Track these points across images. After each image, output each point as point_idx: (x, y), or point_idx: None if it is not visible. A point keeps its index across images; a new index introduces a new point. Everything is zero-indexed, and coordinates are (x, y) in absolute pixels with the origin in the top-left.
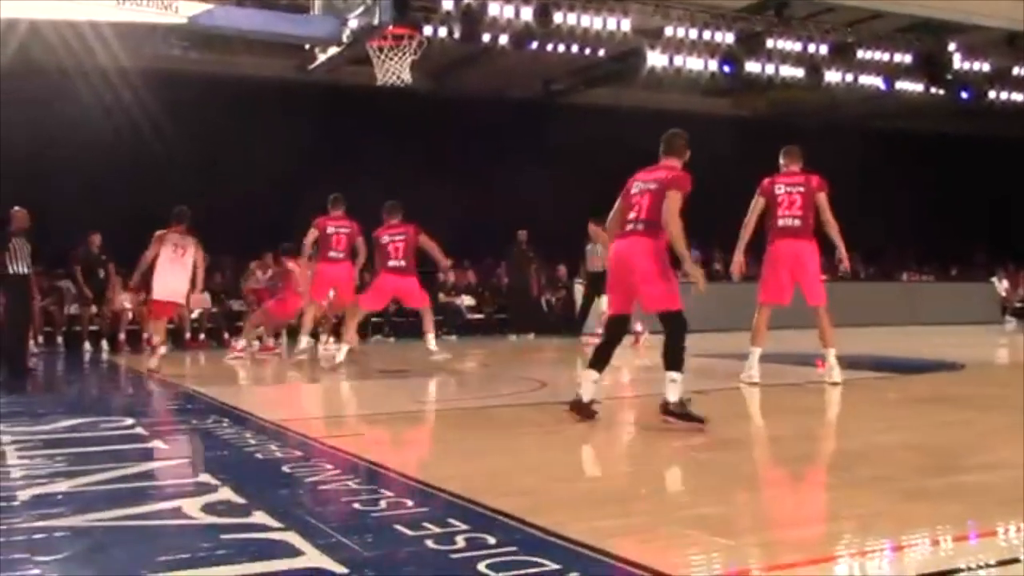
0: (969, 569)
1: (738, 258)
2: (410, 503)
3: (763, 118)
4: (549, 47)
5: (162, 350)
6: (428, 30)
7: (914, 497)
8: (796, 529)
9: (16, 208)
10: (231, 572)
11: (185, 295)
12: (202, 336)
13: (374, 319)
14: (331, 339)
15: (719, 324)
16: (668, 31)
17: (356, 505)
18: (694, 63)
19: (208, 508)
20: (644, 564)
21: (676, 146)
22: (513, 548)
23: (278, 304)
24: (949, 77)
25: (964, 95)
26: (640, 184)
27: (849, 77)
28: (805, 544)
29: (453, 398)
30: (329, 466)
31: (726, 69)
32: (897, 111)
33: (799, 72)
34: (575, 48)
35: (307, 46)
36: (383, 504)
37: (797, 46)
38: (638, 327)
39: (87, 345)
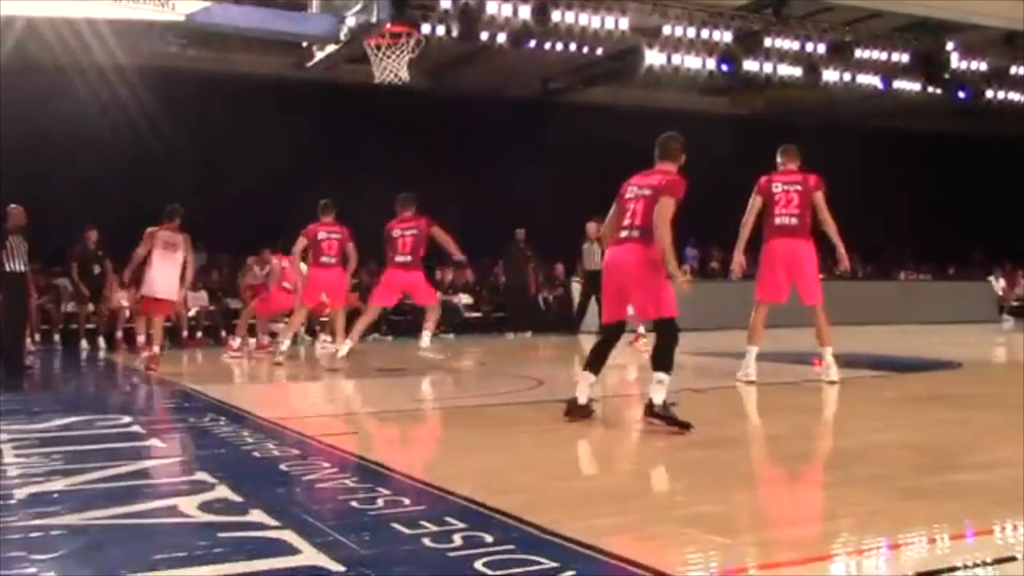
0: (966, 567)
1: (738, 257)
2: (407, 501)
3: (761, 117)
4: (547, 46)
5: (155, 348)
6: (426, 28)
7: (911, 496)
8: (793, 527)
9: (12, 206)
10: (228, 570)
11: (176, 292)
12: (199, 334)
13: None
14: (328, 338)
15: (716, 323)
16: (666, 30)
17: (353, 503)
18: (692, 62)
19: (205, 506)
20: (641, 562)
21: (671, 150)
22: (510, 546)
23: (263, 302)
24: (947, 76)
25: (962, 94)
26: (635, 189)
27: (847, 76)
28: (802, 543)
29: (450, 397)
30: (326, 464)
31: (724, 68)
32: (895, 110)
33: (797, 71)
34: (573, 47)
35: (305, 44)
36: (380, 502)
37: (795, 45)
38: (640, 328)
39: (84, 343)
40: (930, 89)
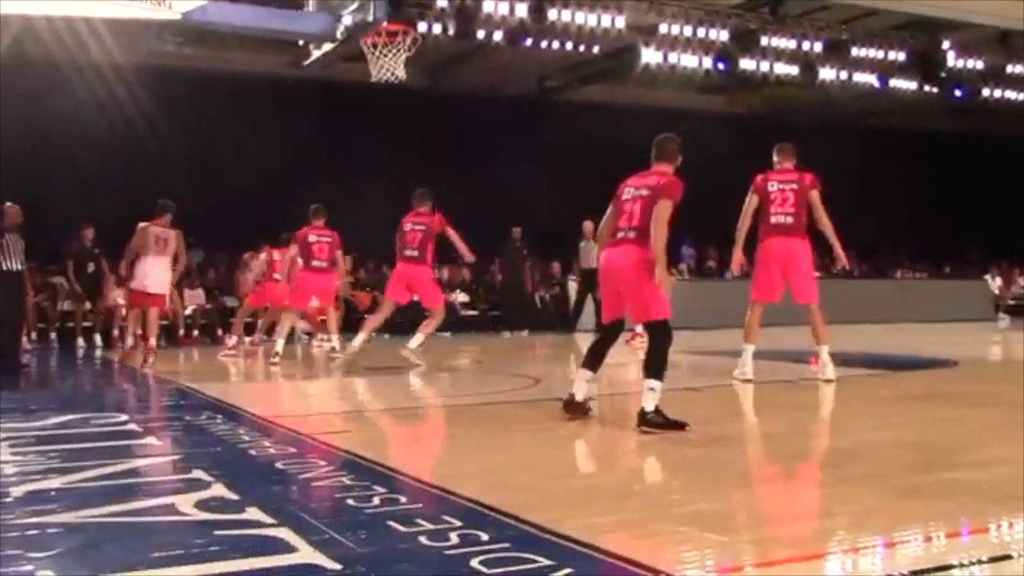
0: (962, 565)
1: (738, 254)
2: (403, 499)
3: (757, 115)
4: (543, 44)
5: (151, 341)
6: (422, 26)
7: (907, 494)
8: (789, 525)
9: (9, 204)
10: (224, 568)
11: (168, 287)
12: (195, 332)
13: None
14: (325, 336)
15: (712, 321)
16: (662, 28)
17: (349, 501)
18: (688, 60)
19: (201, 504)
20: (638, 560)
21: (668, 151)
22: (506, 544)
23: (255, 296)
24: (943, 75)
25: (958, 93)
26: (632, 190)
27: (843, 74)
28: (798, 540)
29: (447, 395)
30: (322, 462)
31: (720, 66)
32: (891, 109)
33: (793, 69)
34: (569, 45)
35: (301, 42)
36: (376, 500)
37: (791, 43)
38: (638, 328)
39: (80, 341)
40: (926, 87)
